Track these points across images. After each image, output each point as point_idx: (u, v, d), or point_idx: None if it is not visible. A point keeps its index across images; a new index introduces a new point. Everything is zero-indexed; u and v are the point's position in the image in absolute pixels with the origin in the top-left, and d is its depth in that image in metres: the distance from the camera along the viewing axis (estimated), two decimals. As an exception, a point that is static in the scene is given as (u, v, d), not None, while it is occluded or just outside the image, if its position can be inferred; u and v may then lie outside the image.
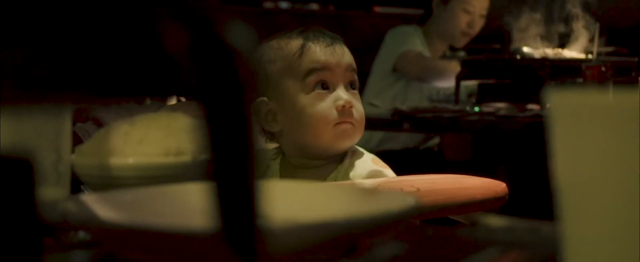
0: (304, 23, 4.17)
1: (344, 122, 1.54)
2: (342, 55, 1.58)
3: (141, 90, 0.38)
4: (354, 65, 1.60)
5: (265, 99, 1.58)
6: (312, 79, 1.55)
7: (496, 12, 3.60)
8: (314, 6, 5.07)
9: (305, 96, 1.55)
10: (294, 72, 1.56)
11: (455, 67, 3.45)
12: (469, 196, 1.42)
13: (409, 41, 3.70)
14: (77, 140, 1.35)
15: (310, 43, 1.57)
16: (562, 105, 0.48)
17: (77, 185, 1.08)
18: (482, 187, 1.45)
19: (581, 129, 0.46)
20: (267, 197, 0.43)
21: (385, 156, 1.71)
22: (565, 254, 0.50)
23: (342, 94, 1.55)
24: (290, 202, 0.90)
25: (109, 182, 1.01)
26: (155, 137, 1.03)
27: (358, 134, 1.58)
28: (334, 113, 1.54)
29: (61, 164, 0.97)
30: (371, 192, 0.91)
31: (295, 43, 1.58)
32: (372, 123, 3.34)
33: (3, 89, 0.35)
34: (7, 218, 0.48)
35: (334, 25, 4.25)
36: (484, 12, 3.72)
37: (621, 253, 0.47)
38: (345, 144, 1.57)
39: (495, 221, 0.71)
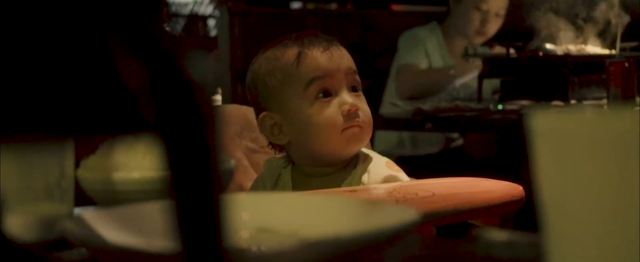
0: (328, 23, 4.17)
1: (352, 127, 1.52)
2: (340, 59, 1.55)
3: (99, 128, 0.37)
4: (354, 67, 1.57)
5: (268, 113, 1.56)
6: (314, 88, 1.52)
7: (518, 9, 3.57)
8: (333, 6, 5.06)
9: (309, 106, 1.52)
10: (295, 83, 1.53)
11: (450, 78, 3.42)
12: (485, 200, 1.41)
13: (415, 50, 3.66)
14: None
15: (306, 50, 1.54)
16: (544, 127, 0.46)
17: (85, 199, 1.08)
18: (499, 191, 1.43)
19: (563, 151, 0.45)
20: (232, 225, 0.42)
21: (408, 159, 1.69)
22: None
23: (346, 98, 1.52)
24: (294, 216, 0.90)
25: (114, 196, 1.01)
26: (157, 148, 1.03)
27: (367, 136, 1.56)
28: (340, 118, 1.51)
29: (64, 180, 0.97)
30: (374, 206, 0.90)
31: (291, 52, 1.54)
32: (393, 123, 3.35)
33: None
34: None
35: (355, 24, 4.25)
36: (501, 12, 3.68)
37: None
38: (355, 148, 1.55)
39: (496, 234, 0.70)
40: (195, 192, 0.37)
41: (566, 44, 3.21)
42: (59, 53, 0.36)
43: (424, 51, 3.70)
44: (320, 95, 1.52)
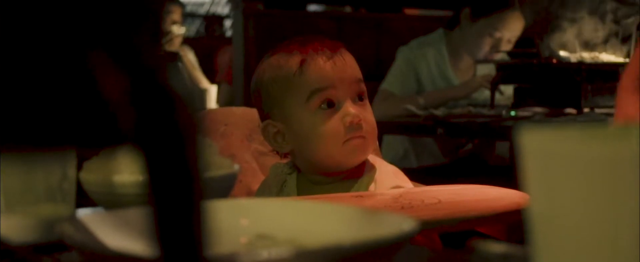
0: (342, 26, 4.17)
1: (354, 138, 1.50)
2: (343, 68, 1.52)
3: (79, 140, 0.36)
4: (360, 76, 1.54)
5: (271, 121, 1.55)
6: (317, 98, 1.50)
7: (533, 16, 3.55)
8: (347, 9, 5.05)
9: (311, 116, 1.50)
10: (297, 93, 1.51)
11: (419, 107, 3.37)
12: (492, 208, 1.39)
13: (399, 75, 3.58)
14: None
15: (309, 59, 1.51)
16: (532, 144, 0.46)
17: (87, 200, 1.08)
18: (506, 199, 1.42)
19: (551, 167, 0.45)
20: (258, 233, 0.41)
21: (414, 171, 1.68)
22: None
23: (349, 108, 1.50)
24: (294, 223, 0.90)
25: (116, 199, 1.01)
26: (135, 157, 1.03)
27: (370, 146, 1.54)
28: (343, 130, 1.49)
29: (66, 182, 0.97)
30: (373, 214, 0.89)
31: (294, 60, 1.51)
32: (404, 128, 3.34)
33: None
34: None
35: (369, 28, 4.25)
36: (513, 39, 3.58)
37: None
38: (357, 159, 1.53)
39: (492, 247, 0.70)
40: (174, 204, 0.37)
41: (580, 51, 3.20)
42: (40, 64, 0.36)
43: (412, 75, 3.61)
44: (323, 105, 1.50)
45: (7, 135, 0.35)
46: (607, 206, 0.43)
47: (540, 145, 0.45)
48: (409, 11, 4.98)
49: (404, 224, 0.79)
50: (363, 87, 1.54)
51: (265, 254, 0.67)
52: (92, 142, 0.38)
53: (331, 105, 1.50)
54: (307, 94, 1.50)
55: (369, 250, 0.74)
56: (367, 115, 1.52)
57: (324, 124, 1.49)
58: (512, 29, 3.56)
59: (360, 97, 1.53)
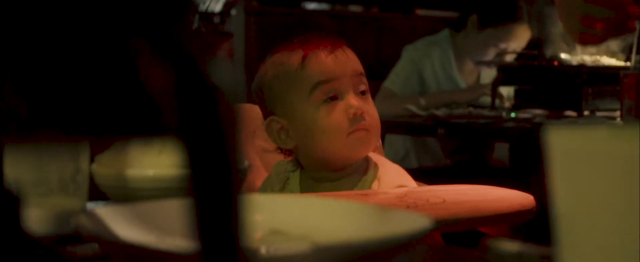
0: (343, 25, 4.17)
1: (358, 130, 1.51)
2: (345, 62, 1.52)
3: (122, 130, 0.37)
4: (361, 70, 1.55)
5: (275, 117, 1.55)
6: (319, 92, 1.50)
7: (534, 18, 3.55)
8: (358, 8, 5.04)
9: (314, 110, 1.50)
10: (300, 87, 1.51)
11: (421, 107, 3.37)
12: (496, 209, 1.40)
13: (402, 74, 3.60)
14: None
15: (311, 54, 1.51)
16: (560, 143, 0.47)
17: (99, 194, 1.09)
18: (510, 200, 1.42)
19: (578, 167, 0.46)
20: (250, 231, 0.42)
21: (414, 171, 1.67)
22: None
23: (352, 101, 1.50)
24: (307, 219, 0.90)
25: (128, 193, 1.02)
26: (175, 149, 1.03)
27: (374, 140, 1.54)
28: (346, 122, 1.49)
29: (79, 175, 0.98)
30: (386, 212, 0.90)
31: (296, 56, 1.52)
32: (405, 127, 3.34)
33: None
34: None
35: (371, 28, 4.25)
36: (518, 49, 3.57)
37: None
38: (361, 152, 1.53)
39: (506, 245, 0.70)
40: (215, 196, 0.38)
41: (582, 54, 3.21)
42: (83, 53, 0.37)
43: (416, 75, 3.61)
44: (326, 98, 1.50)
45: (50, 123, 0.36)
46: (634, 205, 0.44)
47: (568, 145, 0.46)
48: (421, 12, 4.96)
49: (418, 222, 0.79)
50: (365, 81, 1.54)
51: (285, 249, 0.68)
52: (133, 132, 0.39)
53: (333, 98, 1.51)
54: (309, 88, 1.51)
55: (386, 247, 0.74)
56: (370, 109, 1.53)
57: (327, 117, 1.50)
58: (518, 41, 3.56)
59: (362, 92, 1.54)
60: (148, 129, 0.38)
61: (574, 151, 0.45)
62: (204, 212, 0.38)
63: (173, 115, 0.37)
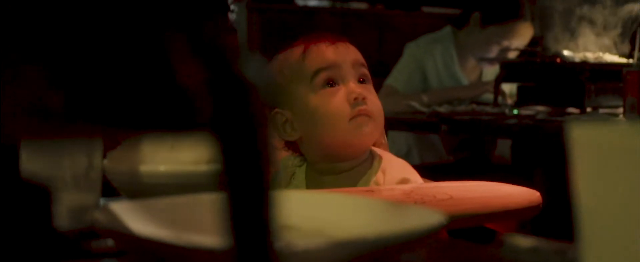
0: (345, 22, 4.17)
1: (359, 115, 1.52)
2: (346, 52, 1.56)
3: (155, 124, 0.38)
4: (362, 60, 1.57)
5: (279, 110, 1.57)
6: (320, 78, 1.53)
7: (537, 15, 3.55)
8: (362, 5, 5.03)
9: (315, 96, 1.53)
10: (301, 76, 1.54)
11: (423, 105, 3.37)
12: (503, 205, 1.40)
13: (404, 71, 3.60)
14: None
15: (312, 46, 1.55)
16: (583, 138, 0.47)
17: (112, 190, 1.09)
18: (517, 196, 1.43)
19: (602, 163, 0.46)
20: (283, 225, 0.43)
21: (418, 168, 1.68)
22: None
23: (353, 87, 1.53)
24: (320, 215, 0.91)
25: (140, 189, 1.02)
26: (187, 145, 1.04)
27: (377, 126, 1.55)
28: (348, 107, 1.51)
29: (92, 171, 0.98)
30: (400, 207, 0.91)
31: (298, 50, 1.56)
32: (408, 124, 3.35)
33: (19, 124, 0.36)
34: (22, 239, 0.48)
35: (373, 25, 4.26)
36: (521, 47, 3.58)
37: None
38: (364, 138, 1.54)
39: (521, 241, 0.71)
40: (248, 192, 0.38)
41: (584, 51, 3.21)
42: (118, 49, 0.37)
43: (418, 72, 3.62)
44: (327, 85, 1.53)
45: (83, 116, 0.37)
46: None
47: (591, 140, 0.46)
48: (428, 9, 4.95)
49: (432, 217, 0.80)
50: (366, 72, 1.57)
51: (302, 244, 0.68)
52: (166, 127, 0.39)
53: (335, 84, 1.53)
54: (310, 75, 1.53)
55: (401, 242, 0.75)
56: (372, 97, 1.54)
57: (329, 103, 1.52)
58: (520, 38, 3.56)
59: (363, 81, 1.56)
60: (181, 124, 0.38)
61: (596, 146, 0.46)
62: (237, 207, 0.39)
63: (206, 111, 0.38)
